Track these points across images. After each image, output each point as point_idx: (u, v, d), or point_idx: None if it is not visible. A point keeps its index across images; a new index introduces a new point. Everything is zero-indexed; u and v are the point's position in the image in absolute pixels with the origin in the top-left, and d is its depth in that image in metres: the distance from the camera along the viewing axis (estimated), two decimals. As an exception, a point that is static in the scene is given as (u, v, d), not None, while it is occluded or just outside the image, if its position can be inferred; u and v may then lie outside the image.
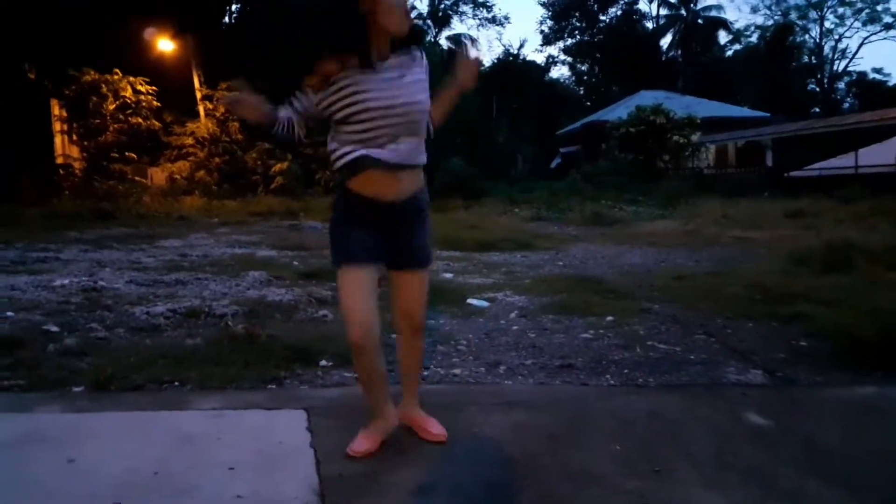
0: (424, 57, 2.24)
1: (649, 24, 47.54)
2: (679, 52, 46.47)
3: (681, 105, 24.91)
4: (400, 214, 2.27)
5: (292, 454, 2.31)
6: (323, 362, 3.61)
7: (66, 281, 5.72)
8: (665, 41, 47.59)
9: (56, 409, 2.75)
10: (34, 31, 16.76)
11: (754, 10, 58.22)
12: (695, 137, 23.24)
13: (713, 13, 46.36)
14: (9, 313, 4.53)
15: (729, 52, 49.61)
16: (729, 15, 67.58)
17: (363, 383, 2.41)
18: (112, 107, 18.94)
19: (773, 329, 4.40)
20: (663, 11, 47.65)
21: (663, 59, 45.81)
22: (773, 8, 49.80)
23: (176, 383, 3.17)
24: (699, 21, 45.86)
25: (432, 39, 43.53)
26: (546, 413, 2.86)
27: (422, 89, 2.21)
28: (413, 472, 2.27)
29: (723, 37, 48.66)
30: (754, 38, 50.12)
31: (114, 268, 6.79)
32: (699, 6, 46.28)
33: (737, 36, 49.55)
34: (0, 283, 5.65)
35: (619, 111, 27.74)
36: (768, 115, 32.33)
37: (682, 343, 4.07)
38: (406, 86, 2.16)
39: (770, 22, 49.53)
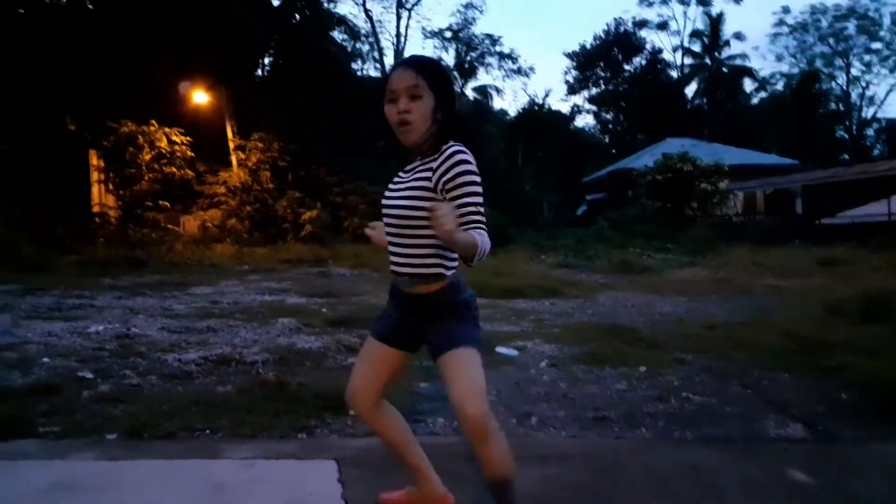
0: (444, 157, 1.92)
1: (674, 73, 48.00)
2: (704, 100, 46.68)
3: (707, 152, 24.90)
4: (420, 306, 2.07)
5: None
6: (352, 412, 3.59)
7: (101, 327, 5.81)
8: (690, 89, 47.95)
9: (90, 457, 2.77)
10: (75, 84, 17.40)
11: (779, 58, 58.36)
12: (723, 185, 23.13)
13: (738, 62, 46.69)
14: (45, 359, 4.60)
15: (755, 100, 49.76)
16: (754, 63, 67.85)
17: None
18: (148, 157, 19.44)
19: (811, 381, 4.29)
20: (688, 60, 48.13)
21: (688, 107, 46.02)
22: (797, 56, 50.09)
23: (208, 431, 3.18)
24: (724, 69, 46.14)
25: (459, 90, 44.34)
26: (580, 467, 2.81)
27: (411, 196, 1.96)
28: (446, 527, 2.23)
29: (748, 84, 48.91)
30: (780, 86, 50.32)
31: (146, 315, 6.88)
32: (724, 55, 46.65)
33: (762, 84, 49.79)
34: (37, 330, 5.76)
35: (644, 159, 27.80)
36: (797, 161, 32.16)
37: (717, 395, 3.99)
38: (403, 190, 2.00)
39: (795, 70, 49.76)
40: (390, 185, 2.09)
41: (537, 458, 2.88)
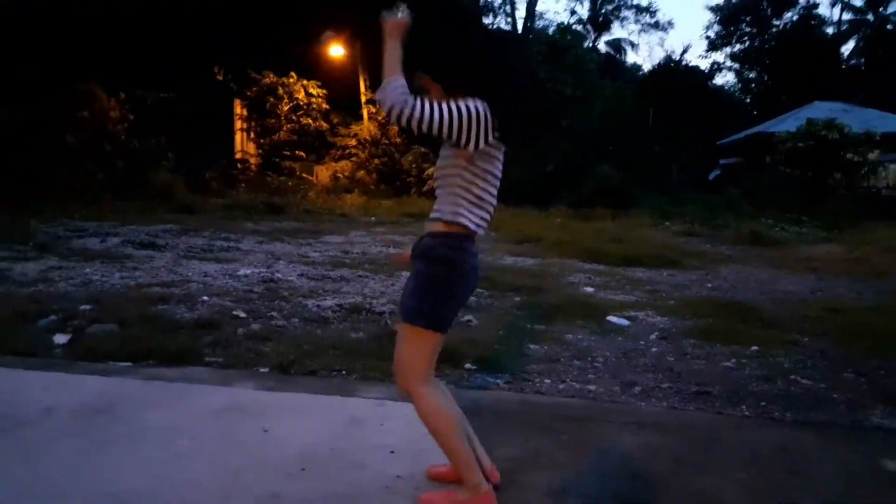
0: None
1: (829, 30, 44.14)
2: (862, 60, 42.71)
3: (859, 119, 22.99)
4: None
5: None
6: (468, 365, 3.95)
7: (249, 271, 6.51)
8: (846, 48, 43.98)
9: (250, 386, 3.30)
10: (224, 36, 18.62)
11: (957, 13, 52.15)
12: (872, 155, 21.38)
13: (906, 17, 42.20)
14: (204, 297, 5.29)
15: (923, 61, 44.90)
16: (927, 18, 60.83)
17: None
18: (286, 108, 20.60)
19: (932, 375, 4.20)
20: (846, 16, 44.03)
21: (843, 67, 42.32)
22: (979, 12, 44.50)
23: (343, 372, 3.65)
24: (889, 27, 41.88)
25: (591, 45, 43.10)
26: (676, 436, 3.02)
27: (445, 155, 2.15)
28: (548, 476, 2.53)
29: (917, 43, 44.12)
30: (956, 45, 45.02)
31: (286, 260, 7.57)
32: (889, 10, 42.30)
33: (934, 43, 44.75)
34: (195, 269, 6.54)
35: (788, 123, 26.05)
36: (966, 131, 28.99)
37: (827, 380, 4.01)
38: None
39: (975, 27, 44.29)
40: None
41: (636, 424, 3.11)
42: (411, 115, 1.92)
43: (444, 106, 1.97)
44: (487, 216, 2.18)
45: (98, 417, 2.84)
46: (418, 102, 1.94)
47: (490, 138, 2.05)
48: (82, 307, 4.66)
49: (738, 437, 3.05)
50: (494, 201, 2.20)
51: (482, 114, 2.01)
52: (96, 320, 4.33)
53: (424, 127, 1.95)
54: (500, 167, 2.19)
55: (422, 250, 2.15)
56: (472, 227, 2.12)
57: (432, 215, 2.18)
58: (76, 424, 2.77)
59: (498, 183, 2.20)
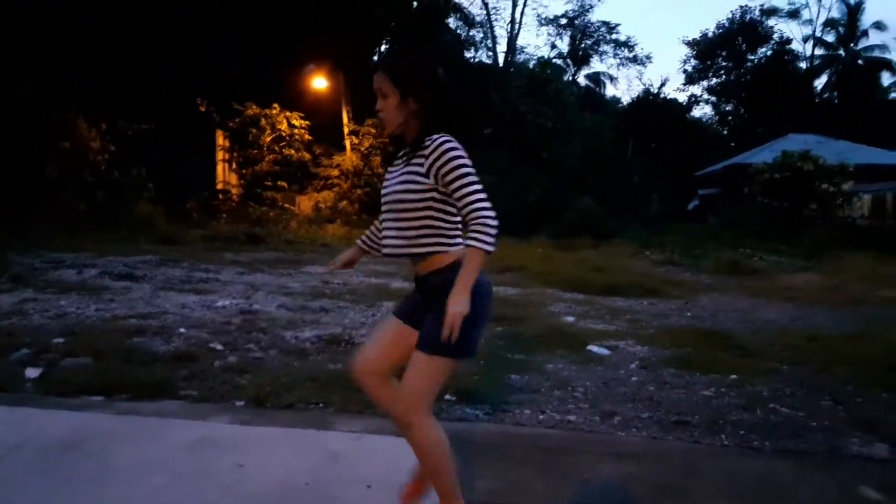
0: (432, 147, 2.06)
1: (803, 65, 45.22)
2: (835, 94, 43.75)
3: (833, 151, 23.47)
4: (423, 290, 2.22)
5: (419, 479, 2.62)
6: (448, 396, 3.92)
7: (227, 303, 6.45)
8: (819, 82, 45.05)
9: (225, 420, 3.25)
10: (206, 67, 18.72)
11: (925, 48, 53.65)
12: (846, 186, 21.79)
13: (875, 53, 43.37)
14: (181, 329, 5.22)
15: (894, 94, 46.09)
16: (894, 55, 62.74)
17: None
18: (269, 139, 20.64)
19: (909, 402, 4.23)
20: (819, 51, 45.19)
21: (816, 101, 43.29)
22: (946, 47, 45.80)
23: (320, 404, 3.60)
24: (859, 62, 43.04)
25: (570, 78, 43.77)
26: (655, 466, 3.01)
27: (405, 181, 2.12)
28: (525, 508, 2.51)
29: (886, 78, 45.32)
30: (923, 80, 46.26)
31: (266, 291, 7.51)
32: (860, 46, 43.49)
33: (903, 78, 45.97)
34: (172, 301, 6.47)
35: (763, 154, 26.54)
36: (937, 162, 29.66)
37: (805, 408, 4.03)
38: (398, 176, 2.17)
39: (943, 62, 45.58)
40: (386, 175, 2.28)
41: (615, 455, 3.10)
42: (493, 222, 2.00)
43: (473, 178, 2.04)
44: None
45: (69, 454, 2.77)
46: (486, 211, 2.01)
47: None
48: (56, 340, 4.58)
49: (717, 465, 3.05)
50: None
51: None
52: (70, 353, 4.25)
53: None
54: None
55: (440, 287, 2.06)
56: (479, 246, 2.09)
57: (417, 250, 2.14)
58: (46, 461, 2.71)
59: None
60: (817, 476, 2.94)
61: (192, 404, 3.57)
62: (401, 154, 2.25)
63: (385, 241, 2.23)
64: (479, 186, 2.03)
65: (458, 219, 2.15)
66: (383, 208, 2.23)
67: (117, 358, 4.19)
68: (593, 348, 5.46)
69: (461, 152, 2.07)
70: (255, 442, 2.93)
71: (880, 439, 3.50)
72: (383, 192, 2.23)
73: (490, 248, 1.97)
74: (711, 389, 4.40)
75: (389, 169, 2.28)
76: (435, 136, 2.08)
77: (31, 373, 3.89)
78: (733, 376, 4.69)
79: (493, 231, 1.98)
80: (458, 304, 1.95)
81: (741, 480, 2.86)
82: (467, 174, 2.03)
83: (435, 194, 2.09)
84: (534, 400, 4.00)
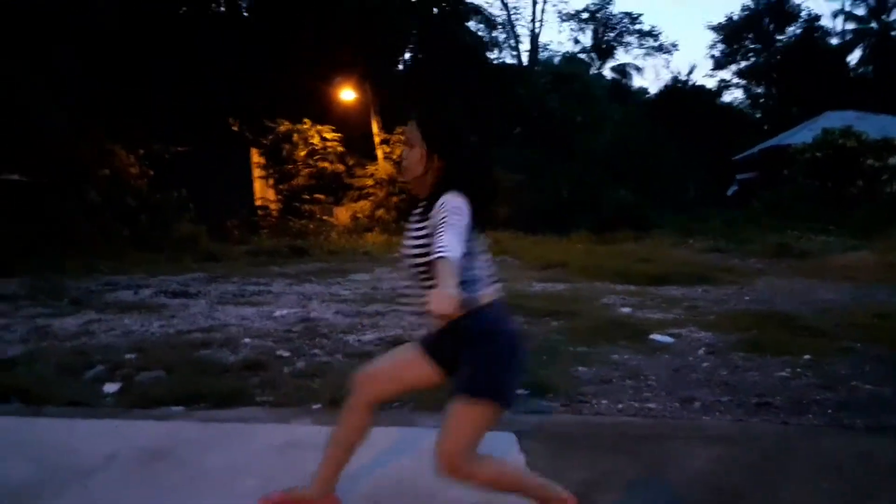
0: (438, 204, 2.00)
1: (834, 41, 44.20)
2: (870, 68, 42.63)
3: (874, 125, 22.85)
4: (456, 332, 2.09)
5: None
6: (520, 391, 3.88)
7: (284, 312, 6.51)
8: (853, 57, 43.96)
9: (308, 422, 3.26)
10: (237, 87, 19.00)
11: (961, 15, 52.12)
12: (893, 160, 21.19)
13: (910, 23, 42.20)
14: (246, 339, 5.27)
15: (931, 64, 44.75)
16: (929, 23, 60.80)
17: None
18: (303, 153, 20.87)
19: None
20: (849, 26, 44.10)
21: (851, 76, 42.25)
22: (984, 12, 44.42)
23: (396, 404, 3.59)
24: (893, 33, 41.89)
25: (596, 71, 43.41)
26: (748, 449, 2.93)
27: (418, 245, 2.09)
28: (624, 496, 2.46)
29: (923, 48, 44.04)
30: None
31: (319, 300, 7.55)
32: (892, 17, 42.35)
33: (940, 46, 44.63)
34: (231, 314, 6.54)
35: (801, 135, 25.95)
36: None
37: (890, 384, 3.90)
38: (411, 239, 2.14)
39: (983, 27, 44.16)
40: (405, 233, 2.21)
41: (704, 439, 3.03)
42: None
43: (457, 230, 1.92)
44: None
45: (160, 462, 2.80)
46: (451, 251, 1.86)
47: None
48: (127, 356, 4.66)
49: (811, 445, 2.96)
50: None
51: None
52: (143, 368, 4.32)
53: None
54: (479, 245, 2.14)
55: (473, 331, 2.05)
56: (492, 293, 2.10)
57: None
58: (140, 470, 2.74)
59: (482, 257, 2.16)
60: (919, 450, 2.84)
61: (271, 409, 3.59)
62: (416, 210, 2.19)
63: (418, 301, 2.06)
64: (452, 231, 1.90)
65: (480, 264, 2.11)
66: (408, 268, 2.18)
67: (189, 370, 4.24)
68: (656, 337, 5.37)
69: (458, 204, 1.97)
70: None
71: (977, 410, 3.38)
72: (403, 252, 2.19)
73: (447, 254, 1.83)
74: (787, 370, 4.29)
75: (406, 226, 2.23)
76: (447, 196, 2.01)
77: (110, 388, 3.95)
78: (806, 356, 4.58)
79: (450, 251, 1.84)
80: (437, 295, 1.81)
81: (841, 459, 2.77)
82: (448, 222, 1.92)
83: None
84: (607, 390, 3.94)
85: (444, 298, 1.77)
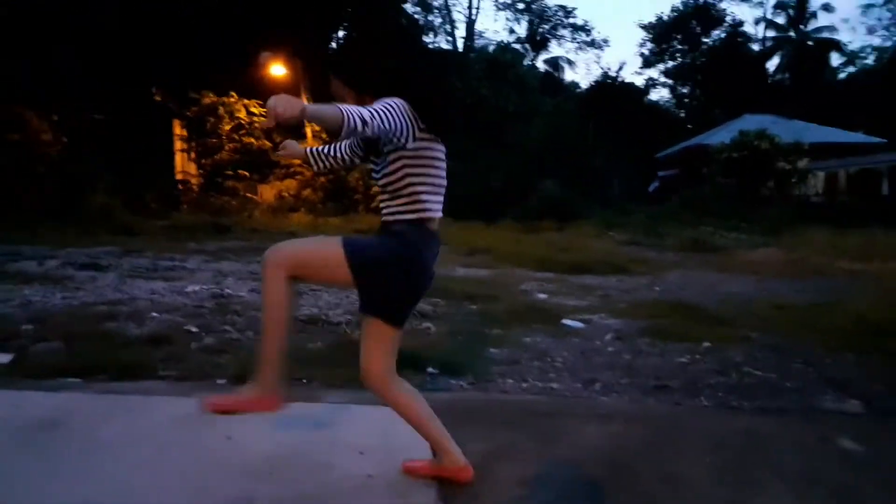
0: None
1: (755, 47, 46.13)
2: (787, 75, 44.75)
3: (788, 130, 24.07)
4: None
5: (413, 444, 2.61)
6: (430, 369, 3.93)
7: (197, 287, 6.34)
8: (772, 64, 46.03)
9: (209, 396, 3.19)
10: (160, 56, 18.28)
11: (871, 31, 55.25)
12: (802, 164, 22.38)
13: (825, 34, 44.43)
14: (153, 314, 5.12)
15: (842, 75, 47.35)
16: (843, 36, 64.35)
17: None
18: (228, 127, 20.27)
19: (875, 362, 4.37)
20: (770, 33, 46.14)
21: (770, 82, 44.24)
22: (891, 29, 47.25)
23: (304, 380, 3.57)
24: (809, 43, 44.07)
25: (530, 63, 43.88)
26: (640, 426, 3.06)
27: (375, 173, 2.28)
28: (520, 467, 2.53)
29: (835, 59, 46.56)
30: (870, 61, 47.65)
31: (235, 277, 7.39)
32: (809, 28, 44.52)
33: (851, 58, 47.26)
34: (141, 288, 6.33)
35: (721, 135, 27.07)
36: (885, 140, 30.62)
37: (779, 371, 4.14)
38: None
39: (888, 43, 46.98)
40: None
41: (602, 417, 3.14)
42: (370, 120, 1.89)
43: (381, 106, 1.99)
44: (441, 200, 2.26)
45: (49, 432, 2.70)
46: (366, 110, 1.91)
47: (418, 129, 2.10)
48: (24, 327, 4.45)
49: (700, 424, 3.12)
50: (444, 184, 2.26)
51: (404, 106, 2.05)
52: (41, 339, 4.13)
53: (377, 127, 1.93)
54: (444, 159, 2.23)
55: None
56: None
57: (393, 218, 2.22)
58: (25, 439, 2.63)
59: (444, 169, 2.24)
60: (796, 430, 3.03)
61: (174, 383, 3.51)
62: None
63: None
64: (364, 108, 1.93)
65: (434, 172, 2.19)
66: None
67: (91, 342, 4.09)
68: (568, 322, 5.52)
69: (386, 101, 2.02)
70: (243, 416, 2.88)
71: (851, 396, 3.62)
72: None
73: (342, 106, 1.85)
74: (686, 356, 4.49)
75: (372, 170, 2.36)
76: None
77: (2, 358, 3.77)
78: (706, 344, 4.79)
79: (354, 118, 1.85)
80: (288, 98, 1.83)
81: (726, 436, 2.93)
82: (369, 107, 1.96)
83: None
84: (515, 371, 4.03)
85: (291, 101, 1.79)
